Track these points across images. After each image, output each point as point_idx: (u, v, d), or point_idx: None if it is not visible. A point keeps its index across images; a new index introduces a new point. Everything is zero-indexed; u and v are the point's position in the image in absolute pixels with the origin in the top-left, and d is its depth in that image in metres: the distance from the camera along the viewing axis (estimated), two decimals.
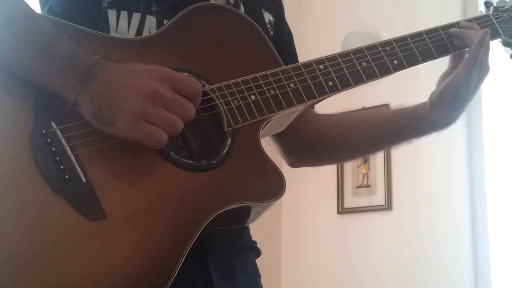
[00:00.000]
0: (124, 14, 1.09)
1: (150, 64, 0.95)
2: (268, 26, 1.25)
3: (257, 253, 1.22)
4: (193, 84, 0.95)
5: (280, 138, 1.32)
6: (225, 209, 0.95)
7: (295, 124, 1.21)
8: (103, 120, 0.90)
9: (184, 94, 0.93)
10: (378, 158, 3.36)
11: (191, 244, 0.90)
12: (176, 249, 0.90)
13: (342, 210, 3.50)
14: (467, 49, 1.22)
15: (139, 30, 1.09)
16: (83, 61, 0.91)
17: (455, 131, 3.27)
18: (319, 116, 1.35)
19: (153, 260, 0.89)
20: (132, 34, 1.09)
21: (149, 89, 0.90)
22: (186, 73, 1.02)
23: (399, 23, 3.26)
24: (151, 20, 1.10)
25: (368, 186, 3.42)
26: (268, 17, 1.27)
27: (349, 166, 3.48)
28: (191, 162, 0.98)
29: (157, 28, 1.09)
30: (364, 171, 3.44)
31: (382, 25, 3.48)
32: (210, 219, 0.93)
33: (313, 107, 1.35)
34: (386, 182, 3.34)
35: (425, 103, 1.24)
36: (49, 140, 0.90)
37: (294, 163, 1.37)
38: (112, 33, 1.07)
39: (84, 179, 0.90)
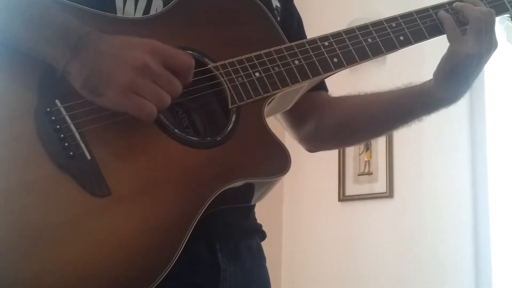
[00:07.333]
0: None
1: (144, 38, 0.94)
2: (275, 12, 1.25)
3: (262, 236, 1.22)
4: (185, 59, 0.93)
5: (298, 126, 1.33)
6: (229, 186, 0.95)
7: (313, 111, 1.21)
8: (91, 90, 0.89)
9: (174, 69, 0.91)
10: (379, 146, 3.35)
11: (196, 220, 0.90)
12: (181, 225, 0.89)
13: (343, 197, 3.50)
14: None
15: (146, 13, 1.08)
16: (75, 31, 0.91)
17: (458, 120, 3.27)
18: (334, 100, 1.35)
19: (158, 235, 0.89)
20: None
21: (139, 61, 0.89)
22: (190, 51, 1.02)
23: (403, 10, 3.24)
24: (157, 3, 1.09)
25: (369, 173, 3.41)
26: (275, 3, 1.26)
27: (350, 154, 3.47)
28: (196, 139, 0.98)
29: None
30: (366, 159, 3.43)
31: (386, 12, 3.45)
32: (215, 196, 0.93)
33: (326, 90, 1.34)
34: (387, 169, 3.33)
35: (430, 80, 1.23)
36: (53, 118, 0.90)
37: (312, 149, 1.38)
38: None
39: (89, 156, 0.89)
